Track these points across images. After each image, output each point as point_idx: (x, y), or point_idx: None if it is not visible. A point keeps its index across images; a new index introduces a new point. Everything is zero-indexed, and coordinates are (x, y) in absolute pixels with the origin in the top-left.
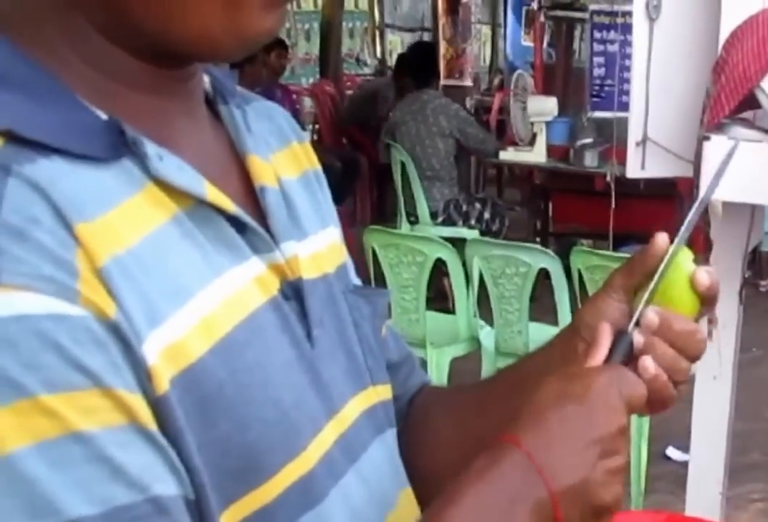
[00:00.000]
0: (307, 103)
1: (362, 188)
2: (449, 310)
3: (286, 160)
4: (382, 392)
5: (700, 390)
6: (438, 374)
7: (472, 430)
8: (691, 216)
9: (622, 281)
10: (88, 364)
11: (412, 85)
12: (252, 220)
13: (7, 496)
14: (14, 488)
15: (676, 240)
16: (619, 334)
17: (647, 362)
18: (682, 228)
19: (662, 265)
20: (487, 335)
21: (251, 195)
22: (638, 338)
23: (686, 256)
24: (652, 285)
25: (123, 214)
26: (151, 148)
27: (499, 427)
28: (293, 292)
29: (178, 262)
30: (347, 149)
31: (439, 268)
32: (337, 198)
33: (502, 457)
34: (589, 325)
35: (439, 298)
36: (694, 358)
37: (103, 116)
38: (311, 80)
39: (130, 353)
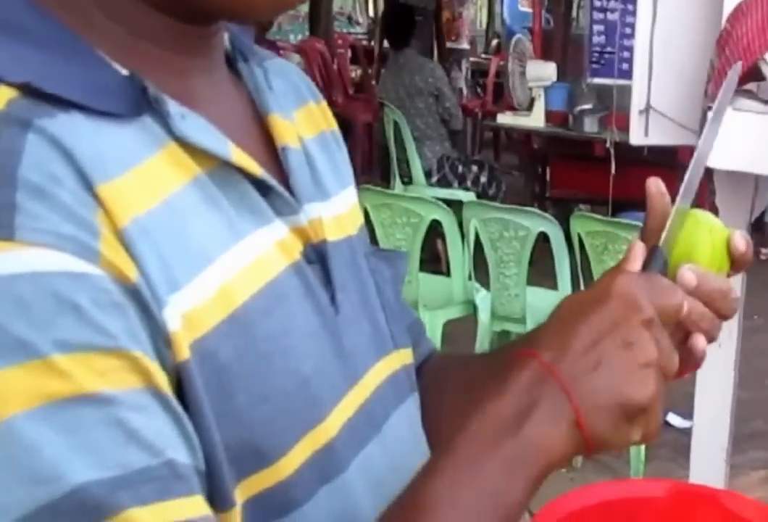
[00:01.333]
0: (294, 59)
1: (354, 148)
2: (442, 272)
3: (304, 120)
4: (404, 356)
5: None
6: (431, 337)
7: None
8: (692, 169)
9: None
10: (105, 325)
11: (391, 48)
12: (276, 183)
13: (5, 462)
14: (14, 453)
15: (680, 195)
16: (653, 249)
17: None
18: (685, 179)
19: (670, 220)
20: (483, 299)
21: (273, 155)
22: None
23: (711, 217)
24: (662, 239)
25: (143, 174)
26: (173, 107)
27: None
28: (317, 255)
29: (199, 225)
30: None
31: (433, 230)
32: None
33: (512, 370)
34: None
35: (431, 261)
36: (726, 317)
37: (124, 72)
38: (299, 37)
39: (150, 319)
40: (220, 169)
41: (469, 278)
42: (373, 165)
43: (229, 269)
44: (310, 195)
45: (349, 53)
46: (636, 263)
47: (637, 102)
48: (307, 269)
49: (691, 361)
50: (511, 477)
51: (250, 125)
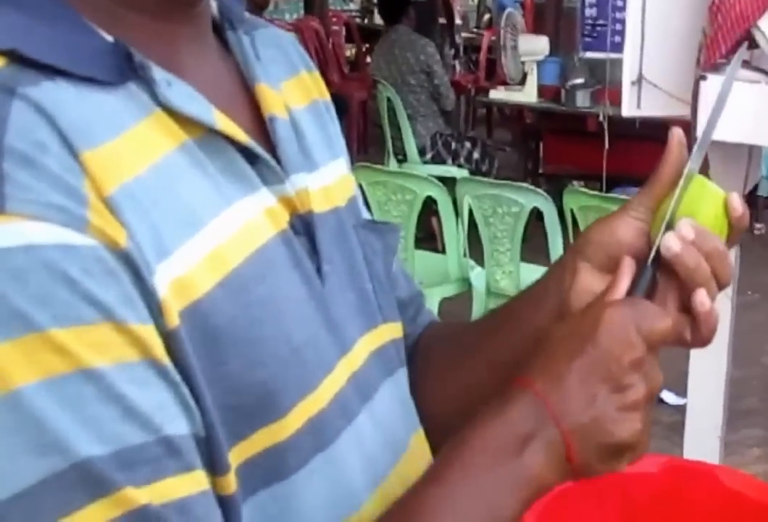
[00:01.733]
0: None
1: (350, 126)
2: (437, 250)
3: (294, 90)
4: (393, 330)
5: None
6: None
7: (469, 371)
8: (702, 138)
9: (642, 198)
10: (100, 296)
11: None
12: (263, 151)
13: (12, 434)
14: (20, 425)
15: (692, 155)
16: (640, 267)
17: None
18: (695, 147)
19: (682, 180)
20: (477, 276)
21: (260, 125)
22: (673, 243)
23: (709, 182)
24: (673, 201)
25: (130, 141)
26: (159, 74)
27: (496, 364)
28: (303, 226)
29: (188, 191)
30: (334, 87)
31: (428, 208)
32: None
33: (512, 398)
34: (597, 243)
35: (426, 238)
36: (721, 284)
37: (109, 39)
38: (295, 16)
39: (142, 285)
40: (207, 136)
41: (464, 255)
42: (369, 143)
43: (220, 234)
44: (297, 165)
45: (344, 31)
46: (623, 285)
47: (629, 73)
48: (294, 239)
49: (705, 327)
50: (505, 496)
51: (237, 94)
